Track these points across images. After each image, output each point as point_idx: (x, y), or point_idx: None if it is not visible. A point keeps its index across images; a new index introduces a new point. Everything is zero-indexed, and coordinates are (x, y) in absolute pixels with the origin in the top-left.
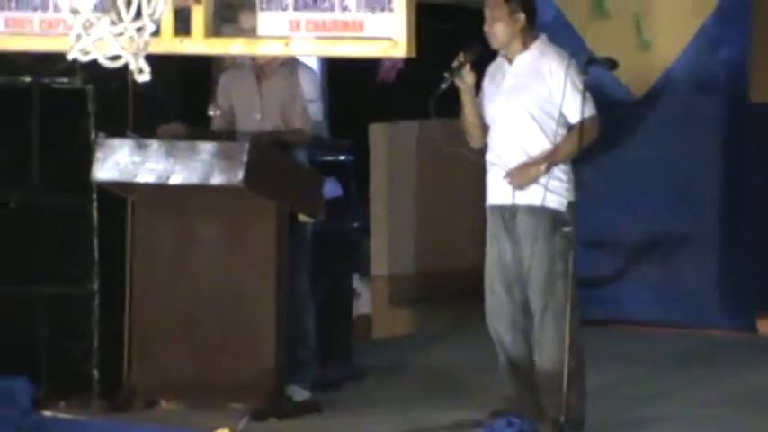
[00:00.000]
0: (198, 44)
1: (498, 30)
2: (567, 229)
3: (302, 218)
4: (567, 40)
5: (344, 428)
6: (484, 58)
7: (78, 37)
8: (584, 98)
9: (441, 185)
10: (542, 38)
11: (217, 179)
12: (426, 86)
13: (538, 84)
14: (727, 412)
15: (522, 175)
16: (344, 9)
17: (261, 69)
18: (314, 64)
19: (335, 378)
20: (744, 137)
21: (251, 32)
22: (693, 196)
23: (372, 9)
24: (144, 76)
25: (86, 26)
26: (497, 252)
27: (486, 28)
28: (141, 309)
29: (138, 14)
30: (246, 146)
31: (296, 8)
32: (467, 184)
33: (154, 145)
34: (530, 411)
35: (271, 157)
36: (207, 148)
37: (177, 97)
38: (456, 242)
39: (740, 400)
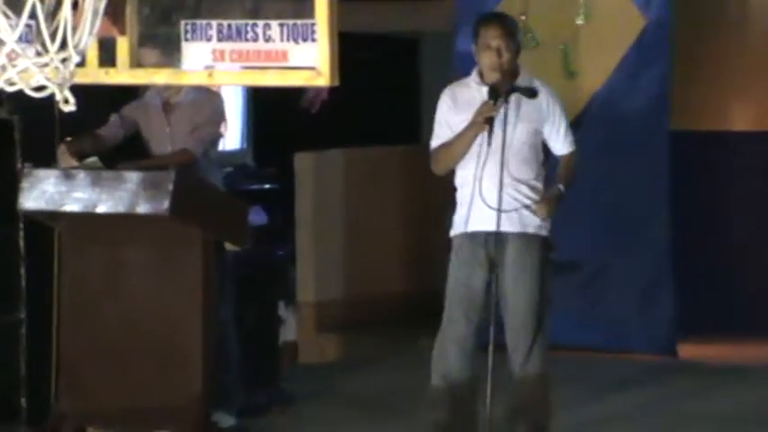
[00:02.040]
0: (123, 74)
1: (506, 62)
2: (552, 254)
3: (228, 246)
4: None
5: None
6: None
7: (3, 68)
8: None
9: (367, 213)
10: (522, 70)
11: (143, 208)
12: (350, 115)
13: (534, 115)
14: None
15: (551, 205)
16: (268, 39)
17: (167, 102)
18: (239, 93)
19: (263, 404)
20: (664, 164)
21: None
22: (617, 223)
23: (296, 39)
24: (69, 107)
25: (11, 57)
26: (465, 278)
27: (486, 57)
28: (69, 336)
29: (63, 45)
30: (172, 175)
31: (220, 39)
32: (392, 212)
33: (80, 174)
34: None
35: (196, 186)
36: (132, 177)
37: (104, 125)
38: (382, 269)
39: (676, 421)
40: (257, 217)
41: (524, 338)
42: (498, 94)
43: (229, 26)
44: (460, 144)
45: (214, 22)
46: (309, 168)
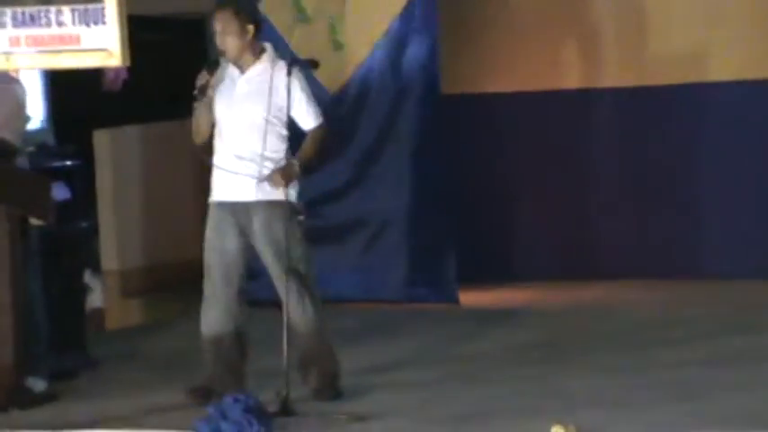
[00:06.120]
0: None
1: (230, 44)
2: (301, 217)
3: (33, 221)
4: (272, 43)
5: (82, 415)
6: None
7: None
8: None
9: (163, 184)
10: (269, 48)
11: None
12: (143, 93)
13: (272, 93)
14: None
15: (285, 176)
16: (61, 24)
17: None
18: (37, 76)
19: (71, 368)
20: (438, 126)
21: None
22: (396, 182)
23: (87, 23)
24: None
25: None
26: (221, 244)
27: (217, 41)
28: None
29: None
30: None
31: (15, 25)
32: (188, 183)
33: None
34: (230, 388)
35: None
36: None
37: None
38: (180, 236)
39: (456, 361)
40: (60, 192)
41: (288, 296)
42: (210, 65)
43: (23, 13)
44: (194, 116)
45: (8, 10)
46: (107, 144)
